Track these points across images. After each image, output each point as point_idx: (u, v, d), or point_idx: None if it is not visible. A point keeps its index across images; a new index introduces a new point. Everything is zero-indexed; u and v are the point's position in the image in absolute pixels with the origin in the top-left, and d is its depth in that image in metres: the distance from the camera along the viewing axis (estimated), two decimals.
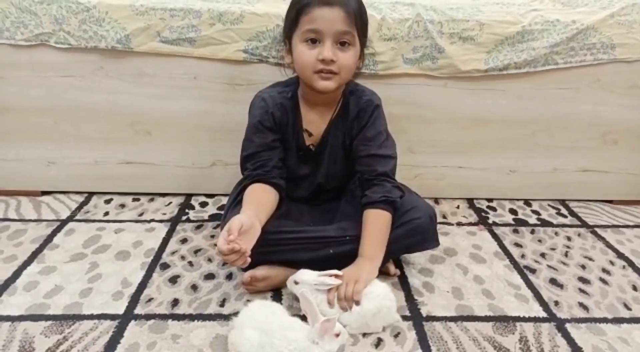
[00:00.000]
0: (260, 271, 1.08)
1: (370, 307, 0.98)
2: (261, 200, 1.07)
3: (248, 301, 1.08)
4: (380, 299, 0.99)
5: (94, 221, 1.40)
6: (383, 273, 1.17)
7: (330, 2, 1.00)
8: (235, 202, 1.14)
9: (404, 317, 1.04)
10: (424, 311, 1.07)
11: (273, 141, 1.11)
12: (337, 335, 0.89)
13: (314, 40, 1.02)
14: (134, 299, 1.08)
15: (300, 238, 1.08)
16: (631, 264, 1.28)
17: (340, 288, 0.99)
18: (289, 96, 1.12)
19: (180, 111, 1.42)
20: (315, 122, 1.15)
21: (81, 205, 1.48)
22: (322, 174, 1.20)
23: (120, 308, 1.05)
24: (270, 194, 1.09)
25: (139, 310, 1.05)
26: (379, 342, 0.97)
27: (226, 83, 1.39)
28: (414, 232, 1.12)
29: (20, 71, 1.37)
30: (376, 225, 1.08)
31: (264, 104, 1.11)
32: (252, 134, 1.11)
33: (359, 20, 1.04)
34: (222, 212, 1.26)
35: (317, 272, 1.01)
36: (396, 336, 0.99)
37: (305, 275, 1.01)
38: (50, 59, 1.35)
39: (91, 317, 1.02)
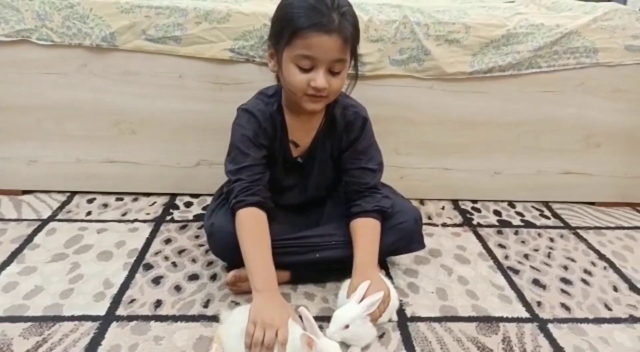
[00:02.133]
0: (245, 271, 1.07)
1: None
2: (268, 244, 1.01)
3: (233, 302, 1.08)
4: (393, 292, 1.04)
5: (76, 220, 1.37)
6: None
7: (329, 30, 0.92)
8: (221, 205, 1.13)
9: (388, 319, 1.04)
10: (408, 312, 1.07)
11: (265, 157, 1.08)
12: None
13: (307, 64, 0.96)
14: (116, 300, 1.06)
15: (286, 245, 1.07)
16: (612, 265, 1.29)
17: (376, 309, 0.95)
18: (274, 108, 1.09)
19: (165, 110, 1.41)
20: (301, 132, 1.12)
21: (63, 204, 1.45)
22: (313, 186, 1.19)
23: (101, 309, 1.03)
24: (267, 226, 1.04)
25: (121, 311, 1.03)
26: None
27: (212, 82, 1.38)
28: (400, 235, 1.13)
29: (1, 68, 1.34)
30: (371, 233, 1.08)
31: (254, 120, 1.07)
32: (246, 148, 1.05)
33: (355, 42, 1.00)
34: (205, 213, 1.24)
35: (353, 303, 0.94)
36: (381, 336, 0.99)
37: (352, 311, 0.92)
38: (32, 56, 1.33)
39: (72, 318, 1.01)
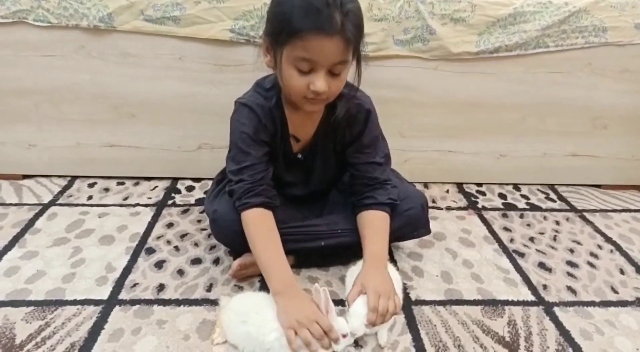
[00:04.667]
0: (249, 258, 1.05)
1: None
2: (279, 243, 0.99)
3: (236, 285, 1.07)
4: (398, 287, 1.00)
5: (77, 205, 1.36)
6: None
7: (330, 33, 0.84)
8: (223, 190, 1.10)
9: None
10: (413, 295, 1.07)
11: (266, 154, 1.04)
12: (345, 336, 0.87)
13: (306, 66, 0.90)
14: (119, 284, 1.06)
15: (291, 232, 1.05)
16: (619, 248, 1.28)
17: (380, 305, 0.90)
18: (273, 102, 1.03)
19: (165, 93, 1.39)
20: (302, 126, 1.07)
21: (64, 189, 1.44)
22: (316, 181, 1.16)
23: (104, 293, 1.03)
24: (275, 224, 1.01)
25: (123, 295, 1.03)
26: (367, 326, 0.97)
27: (212, 64, 1.35)
28: (406, 222, 1.11)
29: None
30: (383, 226, 1.05)
31: (253, 115, 1.02)
32: (247, 146, 1.01)
33: (358, 42, 0.92)
34: (205, 197, 1.23)
35: (364, 297, 0.92)
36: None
37: (366, 305, 0.90)
38: (29, 37, 1.31)
39: (74, 302, 1.00)
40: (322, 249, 1.09)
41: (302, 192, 1.18)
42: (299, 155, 1.11)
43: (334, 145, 1.10)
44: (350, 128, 1.07)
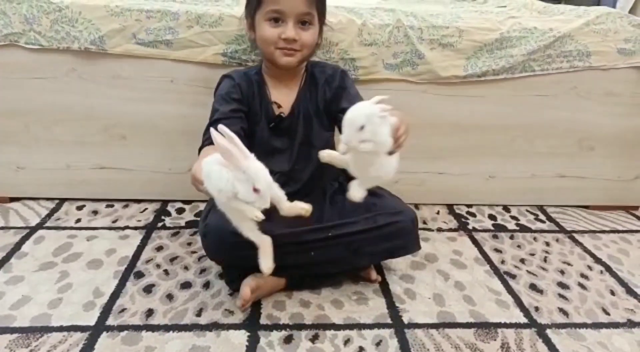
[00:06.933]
0: (250, 283, 1.04)
1: None
2: None
3: (226, 310, 1.05)
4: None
5: (65, 228, 1.34)
6: (364, 279, 1.16)
7: None
8: (215, 207, 1.09)
9: (386, 325, 1.03)
10: (405, 318, 1.06)
11: (236, 111, 1.10)
12: (257, 191, 0.76)
13: (277, 19, 1.06)
14: (106, 310, 1.04)
15: (280, 244, 1.03)
16: (608, 269, 1.29)
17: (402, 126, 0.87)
18: (253, 72, 1.17)
19: (156, 115, 1.39)
20: (283, 95, 1.17)
21: (52, 212, 1.42)
22: (299, 143, 1.18)
23: (91, 319, 1.01)
24: None
25: (111, 321, 1.00)
26: (360, 350, 0.96)
27: (204, 87, 1.36)
28: (396, 235, 1.11)
29: None
30: None
31: (229, 79, 1.15)
32: (219, 105, 1.11)
33: (320, 2, 1.10)
34: (199, 218, 1.22)
35: (366, 103, 0.81)
36: (378, 344, 0.98)
37: (366, 108, 0.78)
38: (20, 59, 1.31)
39: (60, 329, 0.98)
40: (312, 262, 1.06)
41: (288, 164, 1.18)
42: (282, 114, 1.17)
43: (317, 106, 1.18)
44: (330, 85, 1.17)
